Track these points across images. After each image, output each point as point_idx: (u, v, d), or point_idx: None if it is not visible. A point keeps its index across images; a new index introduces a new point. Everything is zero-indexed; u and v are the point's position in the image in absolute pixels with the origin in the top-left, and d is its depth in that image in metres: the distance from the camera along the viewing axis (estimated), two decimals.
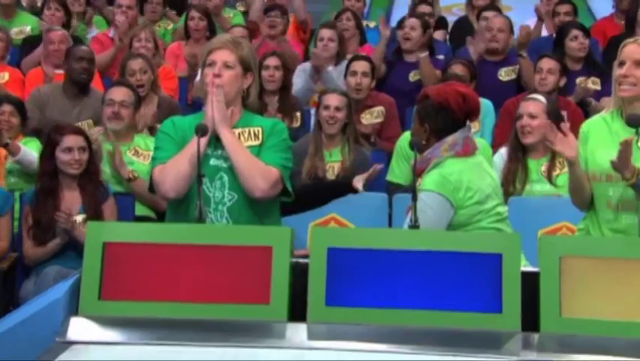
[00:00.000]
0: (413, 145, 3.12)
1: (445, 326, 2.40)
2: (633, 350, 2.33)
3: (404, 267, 2.47)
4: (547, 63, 5.24)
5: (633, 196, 3.09)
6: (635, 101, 3.16)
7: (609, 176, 3.16)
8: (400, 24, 6.13)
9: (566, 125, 3.13)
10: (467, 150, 3.28)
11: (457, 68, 5.21)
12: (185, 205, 3.11)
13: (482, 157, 3.40)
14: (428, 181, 3.20)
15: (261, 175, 3.07)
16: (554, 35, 6.21)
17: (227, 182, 3.11)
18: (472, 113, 3.33)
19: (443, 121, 3.27)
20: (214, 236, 2.52)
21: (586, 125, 3.32)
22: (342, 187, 3.36)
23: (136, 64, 5.33)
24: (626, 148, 3.02)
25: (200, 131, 2.98)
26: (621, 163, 3.04)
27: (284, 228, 2.61)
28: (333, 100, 4.76)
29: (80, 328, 2.42)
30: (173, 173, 3.05)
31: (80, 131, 4.37)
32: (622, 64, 3.17)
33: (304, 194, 3.49)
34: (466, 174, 3.23)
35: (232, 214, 3.11)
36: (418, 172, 3.08)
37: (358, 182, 3.26)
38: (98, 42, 6.55)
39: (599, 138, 3.17)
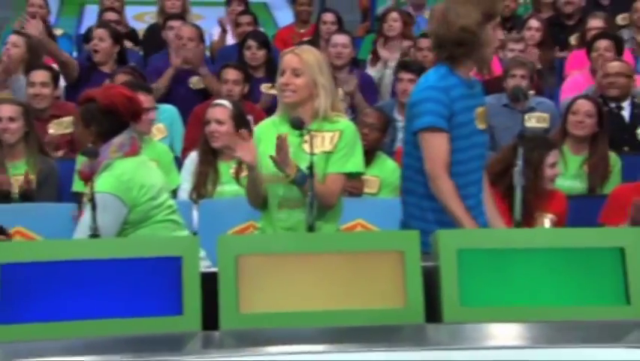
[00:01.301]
0: (88, 153, 3.11)
1: (128, 333, 2.40)
2: (315, 338, 2.47)
3: (84, 277, 2.44)
4: (231, 74, 5.37)
5: (300, 194, 3.26)
6: (298, 107, 3.34)
7: (279, 177, 3.29)
8: (87, 36, 5.97)
9: (245, 132, 3.26)
10: (134, 149, 3.38)
11: (120, 78, 5.16)
12: None
13: (146, 156, 3.50)
14: (100, 183, 3.22)
15: None
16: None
17: None
18: (137, 114, 3.42)
19: (110, 123, 3.33)
20: None
21: (258, 129, 3.46)
22: None
23: None
24: (281, 143, 3.17)
25: None
26: (281, 159, 3.19)
27: None
28: (5, 111, 4.58)
29: None
30: None
31: None
32: (283, 73, 3.36)
33: None
34: (137, 172, 3.31)
35: None
36: (89, 176, 3.06)
37: None
38: None
39: (269, 141, 3.28)
